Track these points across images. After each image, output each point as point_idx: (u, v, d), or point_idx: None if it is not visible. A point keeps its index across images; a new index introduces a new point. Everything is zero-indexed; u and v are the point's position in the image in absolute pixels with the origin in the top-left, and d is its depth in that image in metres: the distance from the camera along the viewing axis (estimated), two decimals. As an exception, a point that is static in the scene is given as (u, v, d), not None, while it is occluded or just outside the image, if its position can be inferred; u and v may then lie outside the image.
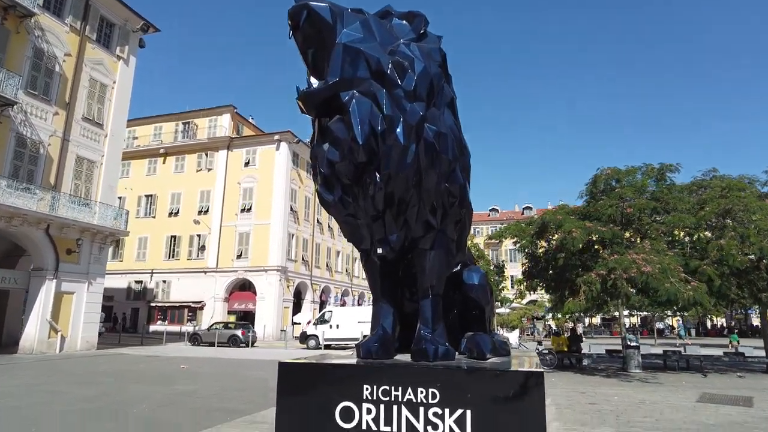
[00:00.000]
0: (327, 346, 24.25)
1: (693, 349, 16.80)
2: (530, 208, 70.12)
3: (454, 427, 2.62)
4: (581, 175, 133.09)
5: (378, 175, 2.83)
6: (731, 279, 12.70)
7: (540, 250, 15.66)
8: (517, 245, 16.29)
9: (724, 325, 55.38)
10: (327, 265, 44.43)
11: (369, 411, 2.76)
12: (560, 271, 14.17)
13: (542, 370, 2.78)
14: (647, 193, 13.74)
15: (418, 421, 2.68)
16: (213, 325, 29.32)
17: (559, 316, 29.80)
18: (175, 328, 35.27)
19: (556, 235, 13.94)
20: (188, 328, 35.92)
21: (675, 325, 51.83)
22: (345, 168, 2.84)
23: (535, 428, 2.56)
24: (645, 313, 42.88)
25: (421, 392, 2.71)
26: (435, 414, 2.66)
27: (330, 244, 45.35)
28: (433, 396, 2.69)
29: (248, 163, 38.61)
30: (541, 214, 15.99)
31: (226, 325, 28.95)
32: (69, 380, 11.62)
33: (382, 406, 2.75)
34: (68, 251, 20.49)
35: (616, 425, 7.47)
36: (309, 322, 37.71)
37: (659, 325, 50.66)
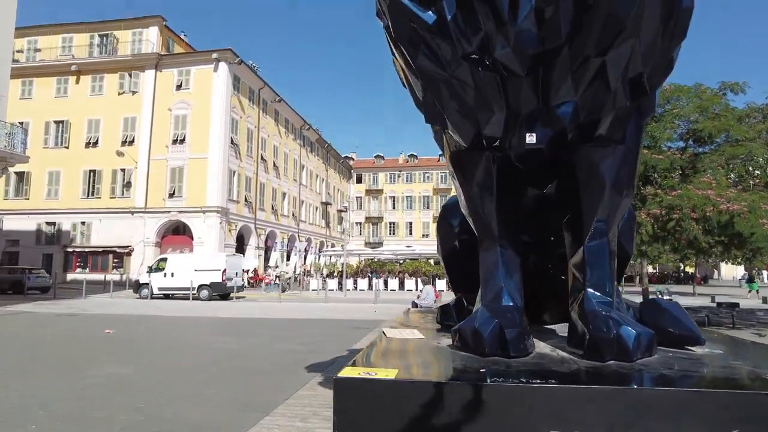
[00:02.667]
0: (167, 296, 22.29)
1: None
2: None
3: None
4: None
5: None
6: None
7: None
8: None
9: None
10: (272, 208, 40.55)
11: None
12: None
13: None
14: (709, 113, 11.29)
15: None
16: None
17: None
18: (98, 276, 30.57)
19: None
20: (114, 276, 31.39)
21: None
22: None
23: None
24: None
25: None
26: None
27: (276, 184, 41.27)
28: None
29: (180, 86, 33.12)
30: None
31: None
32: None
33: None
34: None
35: None
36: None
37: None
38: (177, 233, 33.60)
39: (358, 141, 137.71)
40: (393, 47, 1.89)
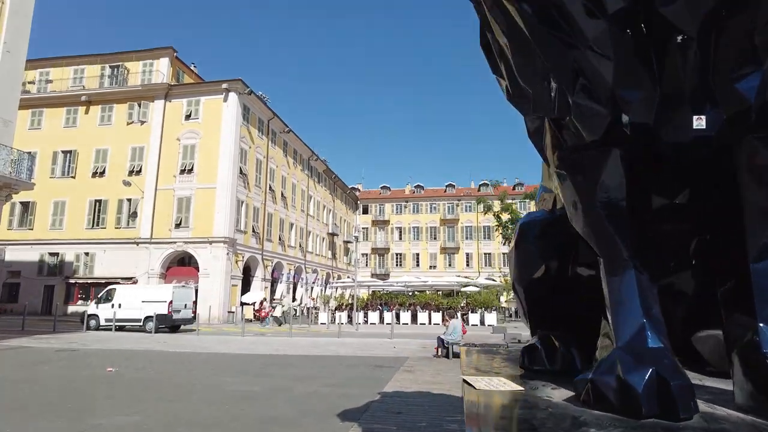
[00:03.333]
0: (120, 327, 21.34)
1: None
2: (486, 185, 68.31)
3: None
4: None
5: None
6: None
7: None
8: None
9: None
10: (279, 239, 39.81)
11: None
12: None
13: None
14: None
15: None
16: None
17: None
18: (100, 308, 29.63)
19: None
20: (116, 308, 30.45)
21: None
22: None
23: None
24: None
25: None
26: None
27: (283, 215, 40.67)
28: None
29: (190, 115, 32.95)
30: None
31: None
32: None
33: None
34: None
35: None
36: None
37: None
38: (182, 264, 32.80)
39: (364, 172, 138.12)
40: (491, 9, 1.53)
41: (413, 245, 66.53)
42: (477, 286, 34.52)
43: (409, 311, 29.08)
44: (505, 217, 35.03)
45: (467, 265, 64.40)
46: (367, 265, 66.11)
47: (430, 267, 64.70)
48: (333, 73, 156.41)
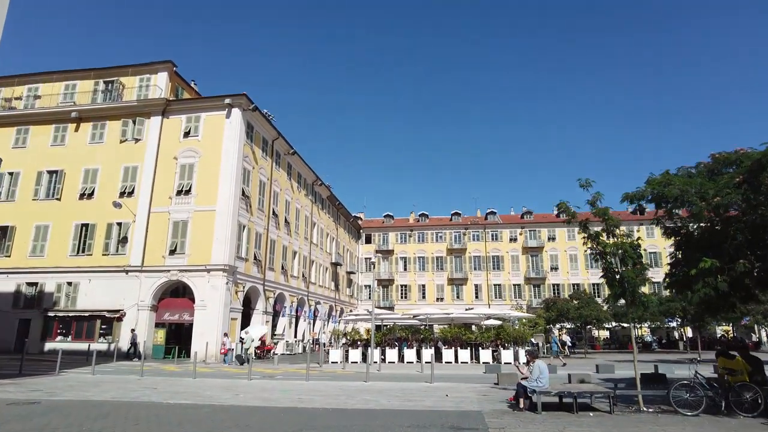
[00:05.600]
0: None
1: None
2: (494, 213, 65.82)
3: None
4: (547, 183, 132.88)
5: None
6: None
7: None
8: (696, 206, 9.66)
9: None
10: (282, 268, 36.69)
11: None
12: None
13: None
14: None
15: None
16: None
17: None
18: (82, 345, 26.25)
19: None
20: (100, 345, 27.06)
21: None
22: None
23: None
24: None
25: None
26: None
27: (286, 242, 37.68)
28: None
29: (189, 133, 30.34)
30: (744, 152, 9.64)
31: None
32: None
33: None
34: None
35: None
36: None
37: None
38: (176, 295, 29.54)
39: (366, 201, 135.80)
40: None
41: (419, 276, 63.35)
42: (503, 319, 31.35)
43: (432, 348, 25.84)
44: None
45: (476, 296, 61.19)
46: (369, 297, 62.68)
47: (437, 299, 61.39)
48: (335, 98, 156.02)
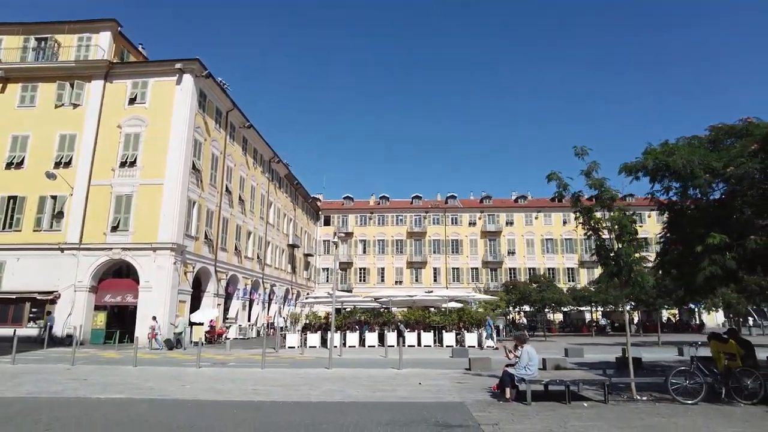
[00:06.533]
0: None
1: None
2: (454, 197, 65.57)
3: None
4: (513, 168, 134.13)
5: None
6: None
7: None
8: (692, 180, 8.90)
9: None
10: (236, 248, 34.74)
11: None
12: None
13: None
14: None
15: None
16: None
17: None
18: (7, 331, 23.64)
19: None
20: (31, 330, 24.59)
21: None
22: None
23: None
24: None
25: None
26: None
27: (240, 221, 35.68)
28: None
29: (135, 99, 27.75)
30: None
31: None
32: None
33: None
34: None
35: None
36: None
37: None
38: (119, 276, 27.23)
39: (326, 182, 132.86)
40: None
41: (378, 259, 62.45)
42: (464, 302, 30.81)
43: (396, 332, 24.90)
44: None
45: (435, 280, 60.99)
46: (327, 280, 61.40)
47: (396, 282, 60.76)
48: (296, 75, 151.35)
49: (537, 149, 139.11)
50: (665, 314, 52.20)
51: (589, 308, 43.54)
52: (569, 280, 57.35)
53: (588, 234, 9.48)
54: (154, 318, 24.03)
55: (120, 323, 26.44)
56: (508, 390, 8.54)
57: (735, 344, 9.18)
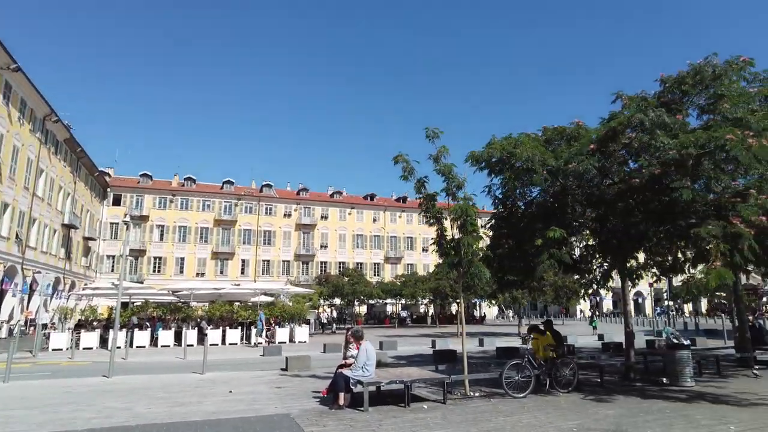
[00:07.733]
0: None
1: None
2: (270, 186, 63.00)
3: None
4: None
5: None
6: None
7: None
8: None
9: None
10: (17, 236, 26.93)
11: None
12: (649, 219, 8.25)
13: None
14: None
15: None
16: None
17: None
18: None
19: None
20: None
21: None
22: None
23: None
24: None
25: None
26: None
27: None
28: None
29: None
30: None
31: None
32: None
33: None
34: None
35: None
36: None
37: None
38: None
39: (118, 154, 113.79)
40: None
41: (177, 248, 56.19)
42: (274, 295, 29.06)
43: (195, 329, 21.91)
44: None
45: (242, 272, 57.51)
46: (113, 270, 52.90)
47: (198, 274, 55.52)
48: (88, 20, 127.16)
49: (352, 145, 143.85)
50: (454, 307, 58.54)
51: (393, 301, 45.83)
52: (374, 275, 59.89)
53: (430, 222, 8.95)
54: None
55: None
56: (341, 395, 7.33)
57: (551, 336, 9.65)
